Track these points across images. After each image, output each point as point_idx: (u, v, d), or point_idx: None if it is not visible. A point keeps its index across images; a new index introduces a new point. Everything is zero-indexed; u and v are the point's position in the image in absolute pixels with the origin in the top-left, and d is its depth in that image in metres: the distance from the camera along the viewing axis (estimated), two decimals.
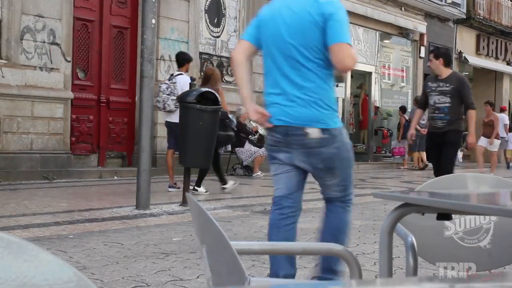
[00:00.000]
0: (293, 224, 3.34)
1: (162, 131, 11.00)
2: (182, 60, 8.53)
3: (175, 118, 7.78)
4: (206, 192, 8.13)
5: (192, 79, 7.72)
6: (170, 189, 8.36)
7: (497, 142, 14.14)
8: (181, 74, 8.37)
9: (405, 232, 1.90)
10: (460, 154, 16.03)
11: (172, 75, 8.55)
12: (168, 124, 8.44)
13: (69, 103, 9.81)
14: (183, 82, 8.03)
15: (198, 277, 3.62)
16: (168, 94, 8.16)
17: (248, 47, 3.24)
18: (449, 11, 18.85)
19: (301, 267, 3.96)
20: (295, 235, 3.39)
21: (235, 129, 9.66)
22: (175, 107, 7.84)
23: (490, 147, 13.95)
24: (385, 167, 15.41)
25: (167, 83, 8.30)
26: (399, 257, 3.60)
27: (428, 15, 18.38)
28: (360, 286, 0.91)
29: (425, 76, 18.69)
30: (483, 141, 13.86)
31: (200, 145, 6.89)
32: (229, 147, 10.36)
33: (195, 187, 8.06)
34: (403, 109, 16.28)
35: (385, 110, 17.85)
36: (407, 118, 15.77)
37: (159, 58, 10.92)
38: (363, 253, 4.43)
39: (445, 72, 6.82)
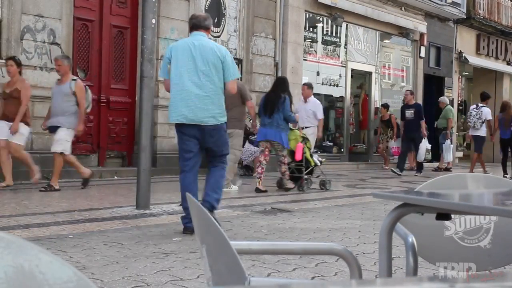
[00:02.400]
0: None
1: (162, 131, 11.02)
2: (485, 97, 14.25)
3: (479, 132, 13.67)
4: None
5: None
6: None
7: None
8: (484, 106, 13.87)
9: (405, 232, 1.90)
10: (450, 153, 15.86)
11: (477, 105, 13.93)
12: (474, 137, 13.87)
13: None
14: (486, 112, 13.73)
15: (198, 277, 3.62)
16: (477, 118, 13.63)
17: None
18: (449, 11, 18.85)
19: (301, 267, 3.96)
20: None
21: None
22: (480, 126, 13.61)
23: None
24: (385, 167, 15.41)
25: (476, 111, 13.75)
26: (399, 257, 3.60)
27: (428, 15, 18.38)
28: (360, 286, 0.91)
29: (425, 76, 18.74)
30: None
31: None
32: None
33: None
34: (386, 106, 15.82)
35: None
36: (392, 114, 15.62)
37: (159, 58, 10.91)
38: (363, 253, 4.43)
39: None
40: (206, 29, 5.39)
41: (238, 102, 8.32)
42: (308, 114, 10.71)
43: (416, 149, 13.80)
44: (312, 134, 10.61)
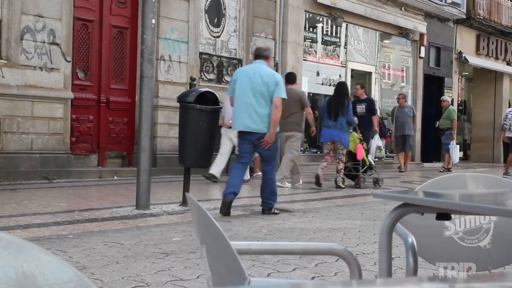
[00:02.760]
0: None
1: (162, 131, 11.01)
2: None
3: None
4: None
5: (192, 79, 7.73)
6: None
7: None
8: None
9: (405, 232, 1.90)
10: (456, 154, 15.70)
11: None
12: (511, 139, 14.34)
13: (69, 103, 9.81)
14: None
15: (198, 277, 3.62)
16: None
17: None
18: (449, 11, 18.85)
19: (301, 267, 3.96)
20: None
21: None
22: None
23: None
24: (385, 167, 15.39)
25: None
26: (399, 257, 3.60)
27: (428, 15, 18.38)
28: (360, 286, 0.91)
29: (425, 76, 18.73)
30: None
31: (200, 145, 6.89)
32: None
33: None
34: None
35: (385, 110, 17.85)
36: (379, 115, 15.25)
37: (159, 58, 10.92)
38: (363, 253, 4.43)
39: None
40: (266, 58, 6.82)
41: (298, 108, 9.52)
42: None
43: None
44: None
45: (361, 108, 12.20)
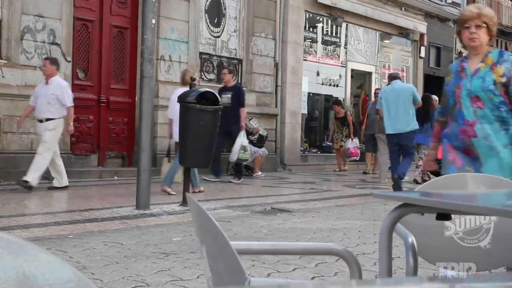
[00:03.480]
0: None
1: (162, 131, 11.01)
2: None
3: None
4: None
5: (192, 79, 7.73)
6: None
7: None
8: None
9: (405, 232, 1.90)
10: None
11: None
12: None
13: None
14: None
15: (198, 277, 3.62)
16: None
17: None
18: (449, 11, 18.85)
19: (301, 267, 3.96)
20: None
21: None
22: None
23: None
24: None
25: None
26: (399, 257, 3.60)
27: (428, 15, 18.38)
28: (360, 286, 0.92)
29: (425, 76, 18.74)
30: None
31: (200, 145, 6.89)
32: None
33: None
34: (339, 103, 14.17)
35: None
36: (348, 111, 14.49)
37: (159, 58, 10.92)
38: (363, 253, 4.43)
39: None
40: (399, 79, 9.90)
41: None
42: (49, 100, 7.87)
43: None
44: (54, 129, 7.95)
45: (226, 97, 9.92)
